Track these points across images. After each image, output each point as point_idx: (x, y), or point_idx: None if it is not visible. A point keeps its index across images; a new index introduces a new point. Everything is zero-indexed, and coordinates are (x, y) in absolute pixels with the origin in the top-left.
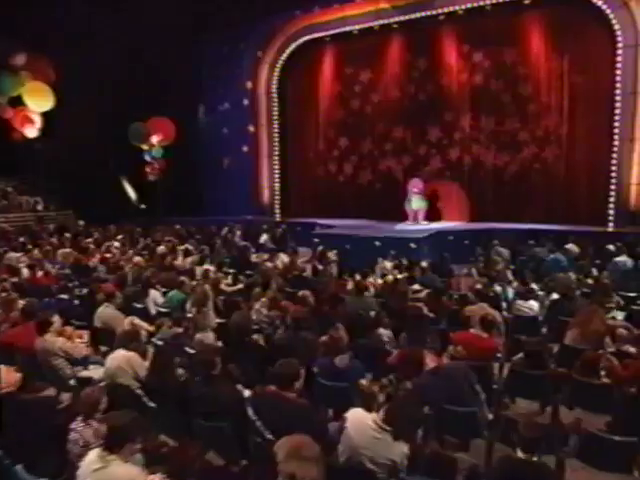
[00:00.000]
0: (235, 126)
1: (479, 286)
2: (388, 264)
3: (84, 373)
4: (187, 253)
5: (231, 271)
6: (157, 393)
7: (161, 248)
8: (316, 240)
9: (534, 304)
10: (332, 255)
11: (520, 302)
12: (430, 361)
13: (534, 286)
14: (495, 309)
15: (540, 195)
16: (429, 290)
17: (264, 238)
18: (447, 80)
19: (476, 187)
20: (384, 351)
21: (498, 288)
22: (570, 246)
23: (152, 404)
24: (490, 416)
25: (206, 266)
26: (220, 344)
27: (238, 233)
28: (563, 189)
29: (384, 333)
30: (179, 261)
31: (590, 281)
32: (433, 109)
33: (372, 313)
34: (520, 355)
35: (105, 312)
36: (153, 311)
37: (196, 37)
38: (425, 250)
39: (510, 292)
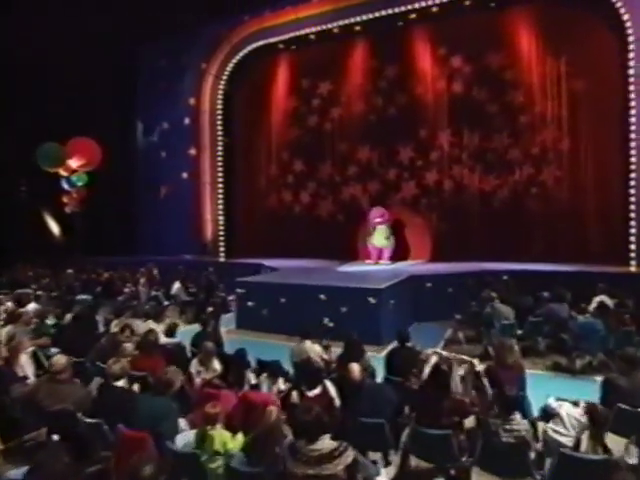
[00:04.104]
0: (174, 149)
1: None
2: (282, 384)
3: None
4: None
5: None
6: None
7: None
8: (240, 292)
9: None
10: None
11: (552, 428)
12: None
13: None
14: None
15: (539, 227)
16: None
17: (176, 287)
18: (421, 90)
19: (459, 218)
20: None
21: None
22: (602, 300)
23: None
24: None
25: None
26: None
27: (142, 281)
28: (568, 218)
29: None
30: None
31: None
32: (405, 125)
33: None
34: None
35: None
36: None
37: (129, 47)
38: (390, 307)
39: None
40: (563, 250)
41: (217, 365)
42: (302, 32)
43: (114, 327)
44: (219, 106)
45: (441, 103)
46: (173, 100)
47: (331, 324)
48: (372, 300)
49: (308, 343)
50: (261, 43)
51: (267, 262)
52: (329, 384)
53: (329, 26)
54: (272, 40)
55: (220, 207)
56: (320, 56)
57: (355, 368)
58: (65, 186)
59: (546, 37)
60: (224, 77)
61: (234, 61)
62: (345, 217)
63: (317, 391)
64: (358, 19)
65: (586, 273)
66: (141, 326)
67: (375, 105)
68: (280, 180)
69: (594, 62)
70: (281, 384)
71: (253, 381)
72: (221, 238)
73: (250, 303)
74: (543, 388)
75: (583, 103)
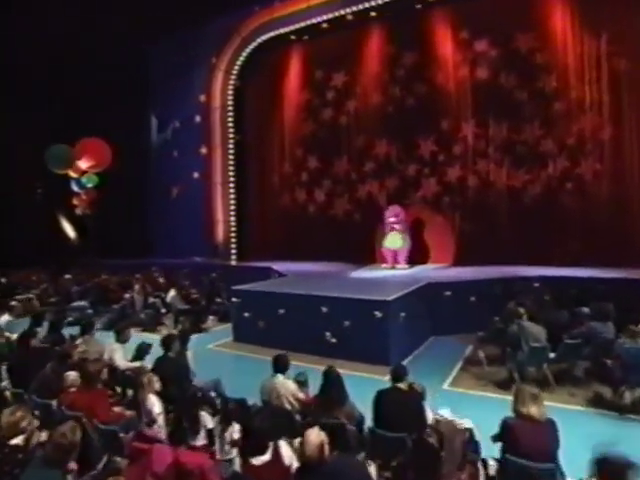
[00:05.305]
0: (186, 148)
1: None
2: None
3: None
4: None
5: None
6: None
7: None
8: (235, 300)
9: None
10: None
11: None
12: None
13: None
14: None
15: (576, 226)
16: None
17: (171, 295)
18: (442, 78)
19: (484, 217)
20: None
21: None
22: None
23: None
24: None
25: None
26: None
27: (137, 288)
28: (609, 217)
29: None
30: None
31: None
32: (425, 116)
33: None
34: None
35: None
36: None
37: (138, 45)
38: (400, 320)
39: None
40: (604, 253)
41: (156, 406)
42: (314, 20)
43: (79, 347)
44: (230, 102)
45: (464, 92)
46: (184, 97)
47: (333, 340)
48: (378, 314)
49: (280, 378)
50: (272, 34)
51: (280, 265)
52: (284, 446)
53: (342, 12)
54: (283, 31)
55: (232, 208)
56: (333, 46)
57: (312, 438)
58: (75, 188)
59: (583, 14)
60: (234, 72)
61: (244, 55)
62: (362, 217)
63: (266, 457)
64: (373, 3)
65: (634, 281)
66: (96, 347)
67: (393, 96)
68: (294, 178)
69: (639, 40)
70: (236, 432)
71: (210, 425)
72: (233, 240)
73: (246, 314)
74: (581, 429)
75: (626, 86)
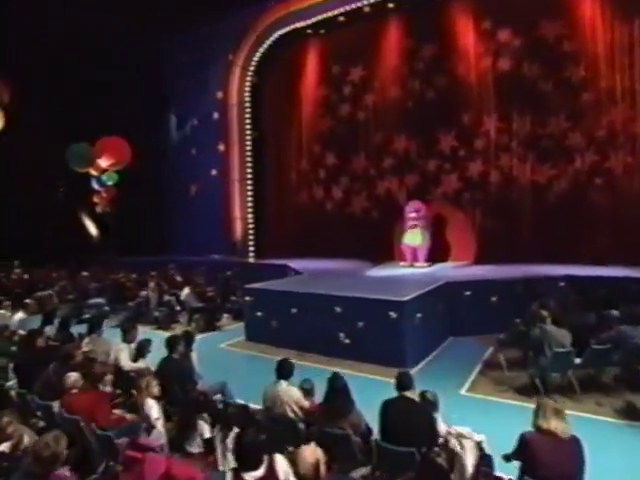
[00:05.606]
0: (204, 145)
1: None
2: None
3: None
4: None
5: None
6: None
7: None
8: (247, 299)
9: None
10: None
11: None
12: None
13: None
14: None
15: (605, 223)
16: None
17: (185, 293)
18: (463, 70)
19: (507, 214)
20: None
21: None
22: None
23: None
24: None
25: None
26: None
27: (151, 285)
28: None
29: None
30: None
31: None
32: (445, 110)
33: None
34: None
35: None
36: None
37: (156, 43)
38: (416, 321)
39: None
40: (635, 251)
41: (154, 411)
42: (330, 14)
43: (85, 346)
44: (247, 99)
45: (486, 84)
46: (201, 94)
47: (347, 340)
48: (393, 314)
49: (283, 384)
50: (288, 29)
51: (297, 263)
52: (279, 461)
53: (359, 5)
54: (299, 25)
55: (249, 205)
56: (351, 39)
57: (307, 456)
58: (95, 186)
59: None
60: (251, 68)
61: (261, 50)
62: (380, 214)
63: (260, 472)
64: None
65: None
66: (103, 347)
67: (412, 89)
68: (311, 175)
69: None
70: None
71: (207, 434)
72: (250, 237)
73: (259, 313)
74: (610, 443)
75: None
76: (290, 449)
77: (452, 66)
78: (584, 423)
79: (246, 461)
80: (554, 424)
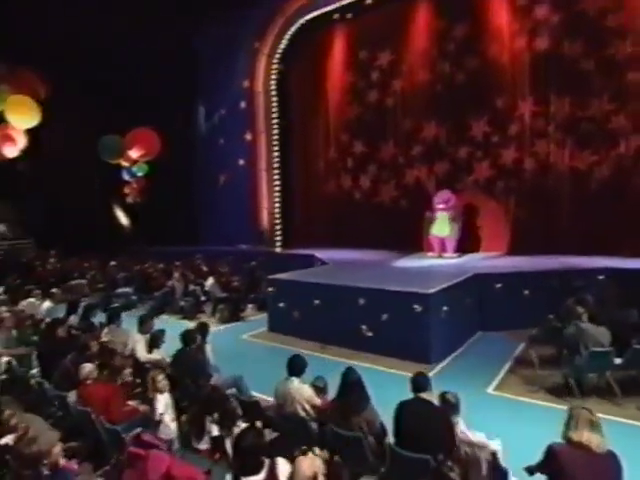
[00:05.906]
0: (231, 134)
1: None
2: None
3: None
4: None
5: None
6: None
7: None
8: (270, 290)
9: None
10: None
11: None
12: None
13: None
14: None
15: None
16: None
17: (210, 283)
18: (496, 50)
19: (543, 203)
20: None
21: None
22: None
23: None
24: None
25: None
26: None
27: (176, 275)
28: None
29: None
30: None
31: None
32: (477, 94)
33: None
34: None
35: None
36: None
37: (185, 34)
38: (442, 315)
39: None
40: None
41: (161, 405)
42: None
43: (104, 336)
44: (273, 87)
45: (521, 65)
46: (229, 83)
47: (369, 333)
48: (417, 307)
49: (295, 382)
50: (314, 14)
51: (323, 253)
52: (281, 465)
53: None
54: (326, 9)
55: (276, 195)
56: (378, 23)
57: (304, 468)
58: (126, 177)
59: None
60: (277, 55)
61: (287, 37)
62: (409, 203)
63: (260, 477)
64: None
65: None
66: (121, 338)
67: (442, 73)
68: (339, 164)
69: None
70: None
71: (215, 432)
72: (277, 227)
73: (281, 304)
74: None
75: None
76: (303, 448)
77: (484, 47)
78: (624, 430)
79: (245, 465)
80: (587, 436)
